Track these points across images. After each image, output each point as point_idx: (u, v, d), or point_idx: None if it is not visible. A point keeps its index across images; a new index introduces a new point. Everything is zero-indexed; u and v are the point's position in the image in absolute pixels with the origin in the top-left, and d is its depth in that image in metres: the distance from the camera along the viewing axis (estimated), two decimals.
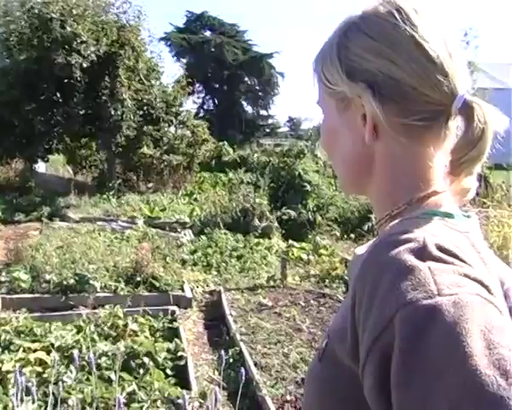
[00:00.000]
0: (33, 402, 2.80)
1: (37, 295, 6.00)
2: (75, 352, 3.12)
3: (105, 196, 12.83)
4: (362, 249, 0.95)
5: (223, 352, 2.97)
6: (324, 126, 0.92)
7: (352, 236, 9.89)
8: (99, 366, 3.99)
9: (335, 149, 0.90)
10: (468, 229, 0.78)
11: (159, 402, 3.56)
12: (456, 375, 0.57)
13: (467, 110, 0.78)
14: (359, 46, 0.81)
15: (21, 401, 3.51)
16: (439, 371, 0.58)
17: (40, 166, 16.59)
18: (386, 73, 0.78)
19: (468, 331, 0.59)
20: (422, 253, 0.68)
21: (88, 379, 3.84)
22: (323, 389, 0.80)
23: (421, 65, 0.78)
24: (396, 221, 0.79)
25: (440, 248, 0.69)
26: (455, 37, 0.83)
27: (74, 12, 13.49)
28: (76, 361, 2.85)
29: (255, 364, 4.53)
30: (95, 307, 5.52)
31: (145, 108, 14.84)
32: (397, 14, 0.79)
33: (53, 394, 3.47)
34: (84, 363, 3.88)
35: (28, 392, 3.49)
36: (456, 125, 0.81)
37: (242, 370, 2.69)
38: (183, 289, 6.50)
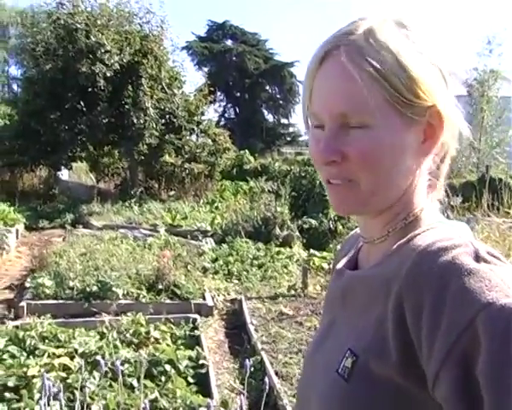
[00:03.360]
0: (61, 408, 2.83)
1: (60, 301, 6.07)
2: (100, 358, 3.16)
3: (127, 203, 12.96)
4: (341, 264, 0.97)
5: (247, 361, 2.97)
6: (378, 143, 0.78)
7: None
8: (121, 373, 4.03)
9: (387, 167, 0.80)
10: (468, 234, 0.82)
11: None
12: None
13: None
14: (439, 63, 0.81)
15: (48, 405, 3.58)
16: None
17: (63, 174, 16.82)
18: (449, 93, 0.82)
19: None
20: (477, 256, 0.70)
21: (111, 386, 3.88)
22: (354, 408, 0.77)
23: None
24: (417, 232, 0.80)
25: (488, 252, 0.71)
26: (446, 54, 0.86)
27: (99, 22, 13.74)
28: (102, 367, 2.88)
29: (276, 373, 4.52)
30: (117, 314, 5.58)
31: (167, 116, 14.99)
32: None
33: (72, 400, 3.53)
34: (107, 369, 3.92)
35: (54, 397, 3.55)
36: None
37: (266, 379, 2.70)
38: (204, 298, 6.53)
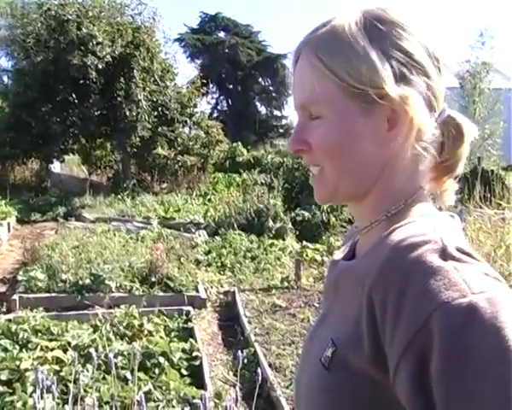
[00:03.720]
0: (54, 401, 2.84)
1: (53, 294, 6.06)
2: (93, 351, 3.15)
3: (120, 196, 12.93)
4: (339, 256, 0.97)
5: (240, 353, 2.98)
6: (333, 131, 0.82)
7: None
8: (115, 366, 4.03)
9: (347, 155, 0.83)
10: (455, 227, 0.82)
11: (174, 402, 3.59)
12: (501, 369, 0.61)
13: (449, 122, 0.84)
14: (403, 53, 0.80)
15: (41, 398, 3.58)
16: (484, 365, 0.62)
17: (55, 167, 16.75)
18: (427, 83, 0.81)
19: (507, 326, 0.62)
20: (444, 253, 0.70)
21: (104, 378, 3.89)
22: (336, 397, 0.79)
23: (439, 78, 0.83)
24: (398, 225, 0.80)
25: (458, 249, 0.71)
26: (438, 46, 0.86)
27: (90, 13, 13.66)
28: (94, 360, 2.88)
29: (269, 364, 4.54)
30: (110, 307, 5.58)
31: (160, 108, 14.95)
32: (414, 21, 0.83)
33: (66, 392, 3.53)
34: (100, 362, 3.92)
35: (47, 390, 3.55)
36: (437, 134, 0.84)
37: (259, 371, 2.71)
38: (197, 290, 6.53)
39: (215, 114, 34.53)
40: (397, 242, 0.75)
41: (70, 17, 13.19)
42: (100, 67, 13.21)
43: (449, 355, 0.63)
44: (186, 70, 52.00)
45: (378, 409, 0.74)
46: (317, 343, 0.89)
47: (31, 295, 5.97)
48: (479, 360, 0.62)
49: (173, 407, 3.52)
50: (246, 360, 4.71)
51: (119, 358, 4.21)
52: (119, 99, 13.72)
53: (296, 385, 0.99)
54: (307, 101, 0.84)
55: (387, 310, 0.69)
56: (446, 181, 0.88)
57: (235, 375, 4.60)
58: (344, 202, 0.93)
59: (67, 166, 18.34)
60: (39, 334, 4.73)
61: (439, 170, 0.86)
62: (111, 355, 2.98)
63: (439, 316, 0.64)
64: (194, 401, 3.53)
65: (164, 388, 3.84)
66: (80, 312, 5.50)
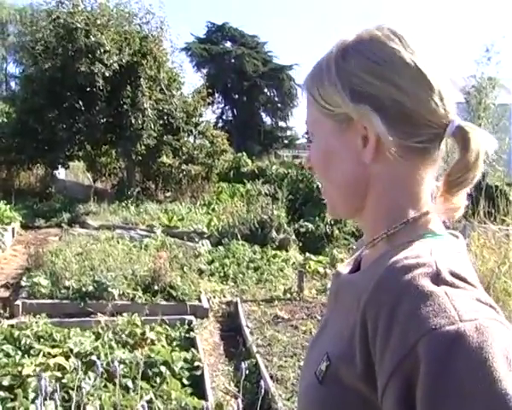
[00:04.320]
0: (56, 408, 2.84)
1: (56, 300, 6.07)
2: (96, 359, 3.16)
3: (124, 203, 12.95)
4: (344, 268, 0.98)
5: (243, 364, 2.98)
6: (318, 148, 0.90)
7: None
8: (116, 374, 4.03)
9: (330, 171, 0.88)
10: (459, 249, 0.82)
11: None
12: (484, 399, 0.60)
13: (462, 134, 0.81)
14: (362, 70, 0.82)
15: (43, 405, 3.58)
16: (468, 394, 0.61)
17: (60, 173, 16.80)
18: (391, 97, 0.81)
19: (493, 356, 0.62)
20: (437, 278, 0.70)
21: (106, 386, 3.89)
22: None
23: (422, 89, 0.81)
24: (397, 244, 0.80)
25: (452, 273, 0.71)
26: (444, 62, 0.86)
27: (98, 22, 13.73)
28: (99, 368, 2.89)
29: (271, 376, 4.53)
30: (113, 315, 5.58)
31: (165, 117, 15.00)
32: (397, 40, 0.83)
33: (69, 400, 3.54)
34: (102, 370, 3.92)
35: (50, 397, 3.56)
36: (444, 147, 0.84)
37: (262, 383, 2.71)
38: (199, 300, 6.53)
39: (220, 124, 34.60)
40: (392, 262, 0.75)
41: (79, 25, 13.28)
42: (107, 74, 13.28)
43: (434, 382, 0.63)
44: (192, 79, 52.20)
45: None
46: (314, 355, 0.90)
47: (34, 301, 5.97)
48: (462, 388, 0.62)
49: None
50: (247, 372, 4.71)
51: (121, 366, 4.21)
52: (125, 107, 13.78)
53: (298, 396, 1.00)
54: (307, 123, 0.93)
55: (378, 330, 0.70)
56: (456, 195, 0.86)
57: (236, 386, 4.59)
58: (345, 218, 1.02)
59: (72, 173, 18.39)
60: (42, 340, 4.73)
61: (449, 184, 0.84)
62: (116, 364, 2.98)
63: (426, 342, 0.64)
64: None
65: (165, 397, 3.84)
66: (83, 319, 5.50)
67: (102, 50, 13.29)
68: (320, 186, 0.96)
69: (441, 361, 0.63)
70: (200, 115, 16.64)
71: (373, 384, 0.71)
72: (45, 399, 3.16)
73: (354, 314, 0.77)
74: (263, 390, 2.64)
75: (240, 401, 2.56)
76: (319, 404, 0.82)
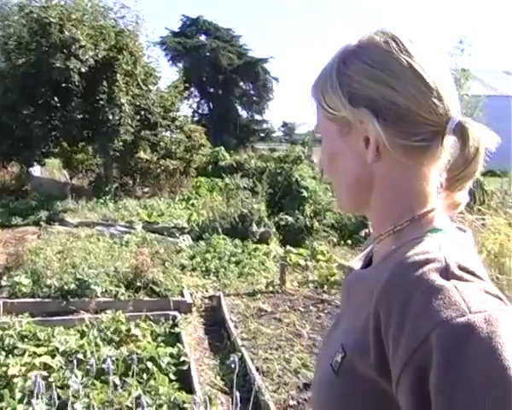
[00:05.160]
0: (49, 405, 2.85)
1: (38, 299, 6.03)
2: (90, 357, 3.17)
3: (102, 200, 12.85)
4: (357, 263, 1.03)
5: (235, 358, 3.01)
6: (326, 150, 0.97)
7: (349, 242, 9.98)
8: (103, 371, 4.03)
9: (337, 171, 0.95)
10: (466, 243, 0.86)
11: (165, 407, 3.60)
12: (494, 386, 0.64)
13: (461, 130, 0.85)
14: (360, 74, 0.87)
15: (29, 404, 3.57)
16: (479, 381, 0.65)
17: (35, 170, 16.57)
18: (388, 99, 0.85)
19: (502, 345, 0.66)
20: (446, 272, 0.74)
21: (93, 384, 3.89)
22: (343, 401, 0.84)
23: (419, 90, 0.85)
24: (406, 241, 0.84)
25: (460, 267, 0.75)
26: (445, 61, 0.91)
27: (73, 16, 13.51)
28: (93, 366, 2.90)
29: (257, 369, 4.57)
30: (96, 312, 5.57)
31: (142, 112, 14.87)
32: (393, 44, 0.87)
33: (59, 397, 3.53)
34: (89, 367, 3.92)
35: (37, 396, 3.55)
36: (449, 144, 0.88)
37: (252, 376, 2.74)
38: (182, 295, 6.55)
39: (196, 118, 34.45)
40: (402, 259, 0.79)
41: (52, 20, 13.05)
42: (83, 70, 13.08)
43: (446, 372, 0.66)
44: (168, 74, 51.77)
45: None
46: (329, 347, 0.93)
47: (15, 301, 5.93)
48: (474, 377, 0.65)
49: None
50: (233, 365, 4.75)
51: (109, 363, 4.21)
52: (101, 103, 13.61)
53: (312, 387, 1.04)
54: (316, 126, 0.99)
55: (391, 323, 0.74)
56: (457, 191, 0.90)
57: (222, 379, 4.63)
58: (354, 212, 1.05)
59: (47, 170, 18.15)
60: (26, 339, 4.71)
61: (450, 179, 0.88)
62: (109, 361, 3.00)
63: (438, 334, 0.68)
64: (185, 405, 3.56)
65: (153, 393, 3.85)
66: (66, 317, 5.48)
67: (78, 45, 13.09)
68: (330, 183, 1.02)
69: (453, 351, 0.66)
70: (178, 110, 16.55)
71: (386, 375, 0.75)
72: (34, 398, 3.17)
73: (367, 308, 0.80)
74: (251, 384, 2.67)
75: (237, 394, 2.58)
76: (335, 394, 0.85)
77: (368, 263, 1.00)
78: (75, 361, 3.75)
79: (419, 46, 0.88)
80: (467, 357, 0.66)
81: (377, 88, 0.85)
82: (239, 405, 2.50)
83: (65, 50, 13.06)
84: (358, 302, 0.87)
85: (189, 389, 4.09)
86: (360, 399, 0.81)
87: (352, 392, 0.82)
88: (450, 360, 0.66)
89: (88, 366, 3.92)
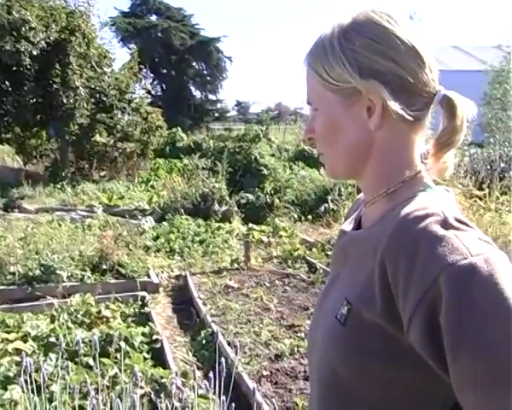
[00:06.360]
0: (22, 391, 2.89)
1: (2, 287, 5.97)
2: (54, 339, 3.21)
3: (59, 185, 12.66)
4: (348, 226, 1.12)
5: (218, 331, 3.09)
6: (323, 120, 1.00)
7: (310, 217, 10.16)
8: (77, 353, 4.06)
9: (336, 140, 1.00)
10: (451, 200, 0.98)
11: (143, 383, 3.67)
12: (498, 314, 0.76)
13: (448, 102, 0.97)
14: (366, 49, 0.95)
15: (5, 389, 3.59)
16: (485, 311, 0.77)
17: None
18: (392, 72, 0.94)
19: (502, 280, 0.78)
20: (446, 224, 0.85)
21: (67, 366, 3.91)
22: (353, 351, 0.92)
23: (416, 64, 0.95)
24: (401, 200, 0.94)
25: (456, 219, 0.86)
26: (425, 38, 1.00)
27: None
28: (76, 348, 2.94)
29: (228, 343, 4.68)
30: (64, 297, 5.56)
31: (98, 95, 14.63)
32: (392, 21, 0.96)
33: (35, 381, 3.55)
34: (63, 350, 3.94)
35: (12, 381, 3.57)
36: (430, 115, 0.99)
37: (229, 352, 2.83)
38: (148, 275, 6.59)
39: (149, 99, 33.96)
40: (404, 215, 0.89)
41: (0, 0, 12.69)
42: (34, 53, 12.77)
43: (456, 307, 0.77)
44: (119, 55, 50.70)
45: (388, 358, 0.88)
46: (329, 305, 1.02)
47: None
48: (481, 309, 0.76)
49: (142, 387, 3.60)
50: (204, 341, 4.85)
51: (81, 345, 4.23)
52: (55, 86, 13.32)
53: (309, 342, 1.13)
54: (309, 97, 1.03)
55: (399, 272, 0.83)
56: (444, 155, 1.01)
57: (194, 355, 4.73)
58: (344, 179, 1.14)
59: None
60: None
61: (438, 146, 0.99)
62: (95, 338, 3.06)
63: (445, 275, 0.78)
64: (163, 380, 3.64)
65: (129, 371, 3.91)
66: (33, 303, 5.46)
67: (28, 27, 12.72)
68: (320, 156, 1.06)
69: (461, 289, 0.77)
70: (133, 92, 16.35)
71: (392, 320, 0.85)
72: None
73: (370, 262, 0.90)
74: (229, 359, 2.77)
75: (220, 368, 2.67)
76: (344, 344, 0.94)
77: (357, 226, 1.09)
78: (63, 343, 3.77)
79: (408, 24, 0.98)
80: (473, 292, 0.77)
81: (383, 62, 0.94)
82: (223, 374, 2.59)
83: (14, 32, 12.70)
84: (358, 259, 0.97)
85: (164, 367, 4.16)
86: (368, 346, 0.90)
87: (360, 340, 0.91)
88: (458, 296, 0.77)
89: (62, 350, 3.94)
